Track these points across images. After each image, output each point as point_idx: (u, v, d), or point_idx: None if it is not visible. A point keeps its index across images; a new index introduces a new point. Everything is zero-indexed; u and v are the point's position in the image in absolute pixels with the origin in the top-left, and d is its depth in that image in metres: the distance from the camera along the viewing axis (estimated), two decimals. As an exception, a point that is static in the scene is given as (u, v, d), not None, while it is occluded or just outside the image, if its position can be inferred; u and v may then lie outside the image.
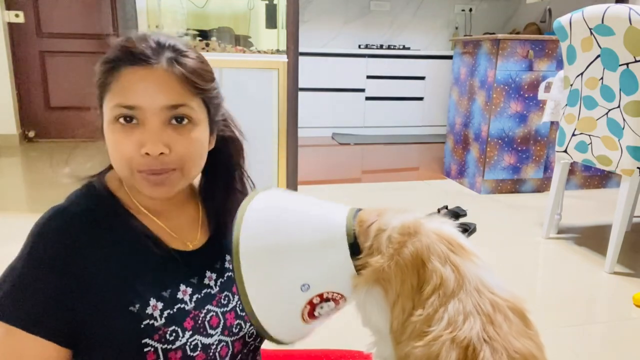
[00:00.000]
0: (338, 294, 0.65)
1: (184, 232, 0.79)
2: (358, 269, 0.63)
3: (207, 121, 0.74)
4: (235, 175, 0.84)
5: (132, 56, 0.67)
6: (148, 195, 0.71)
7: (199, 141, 0.72)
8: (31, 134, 4.82)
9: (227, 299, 0.80)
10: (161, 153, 0.67)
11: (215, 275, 0.80)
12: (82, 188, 0.75)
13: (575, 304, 1.97)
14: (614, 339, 1.74)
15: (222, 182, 0.83)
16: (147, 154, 0.67)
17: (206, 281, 0.78)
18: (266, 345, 0.97)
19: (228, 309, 0.79)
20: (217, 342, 0.76)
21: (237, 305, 0.80)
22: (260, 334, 0.64)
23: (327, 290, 0.64)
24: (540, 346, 0.57)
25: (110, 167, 0.79)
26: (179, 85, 0.68)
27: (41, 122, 4.81)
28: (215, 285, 0.79)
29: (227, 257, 0.83)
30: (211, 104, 0.74)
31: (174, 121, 0.69)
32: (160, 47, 0.68)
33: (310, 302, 0.64)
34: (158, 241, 0.74)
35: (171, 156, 0.68)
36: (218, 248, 0.82)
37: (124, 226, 0.72)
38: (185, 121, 0.69)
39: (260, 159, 2.87)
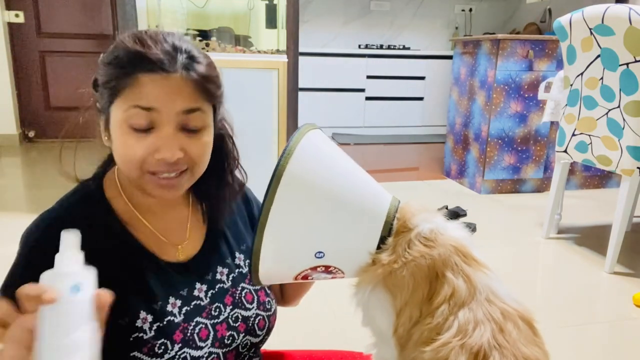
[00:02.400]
0: (342, 271, 0.64)
1: (175, 233, 0.79)
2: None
3: (212, 124, 0.74)
4: (226, 169, 0.83)
5: (148, 63, 0.65)
6: (157, 196, 0.71)
7: (209, 144, 0.73)
8: (31, 134, 4.82)
9: (218, 310, 0.78)
10: (177, 158, 0.67)
11: (206, 286, 0.79)
12: (76, 192, 0.74)
13: (575, 304, 1.97)
14: (614, 339, 1.74)
15: (215, 176, 0.82)
16: (161, 158, 0.67)
17: (196, 293, 0.77)
18: (266, 345, 0.97)
19: (219, 320, 0.78)
20: (207, 354, 0.75)
21: (229, 317, 0.79)
22: (251, 266, 0.61)
23: (335, 265, 0.62)
24: (546, 354, 0.59)
25: (106, 170, 0.78)
26: (194, 92, 0.68)
27: (41, 122, 4.81)
28: (206, 297, 0.78)
29: (219, 269, 0.81)
30: (218, 107, 0.75)
31: (185, 130, 0.69)
32: (175, 50, 0.67)
33: (314, 268, 0.62)
34: (150, 255, 0.74)
35: (184, 158, 0.69)
36: (209, 259, 0.81)
37: (117, 238, 0.72)
38: (198, 129, 0.69)
39: (260, 159, 2.87)
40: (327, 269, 0.63)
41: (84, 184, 0.76)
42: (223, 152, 0.82)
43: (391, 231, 0.63)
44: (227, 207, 0.84)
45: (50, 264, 0.65)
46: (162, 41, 0.67)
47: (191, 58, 0.68)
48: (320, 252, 0.60)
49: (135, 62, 0.65)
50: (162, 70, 0.65)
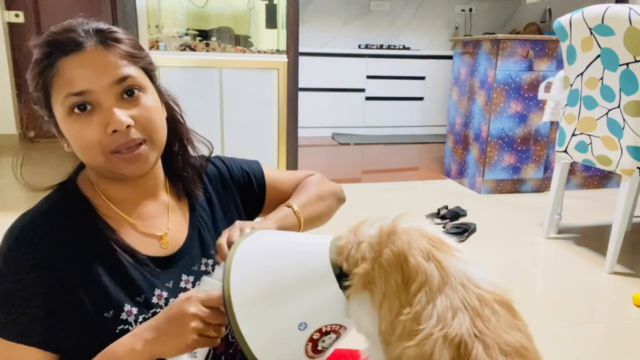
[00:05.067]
0: (337, 325, 0.65)
1: (156, 222, 0.79)
2: (349, 285, 0.64)
3: (152, 87, 0.75)
4: (185, 143, 0.85)
5: (62, 46, 0.66)
6: (127, 174, 0.71)
7: (154, 107, 0.73)
8: (31, 134, 4.82)
9: None
10: (127, 126, 0.67)
11: (193, 278, 0.79)
12: (54, 192, 0.75)
13: (575, 304, 1.97)
14: (614, 339, 1.74)
15: (179, 157, 0.84)
16: (114, 131, 0.67)
17: (182, 284, 0.78)
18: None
19: None
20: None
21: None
22: None
23: (324, 324, 0.64)
24: (529, 336, 0.57)
25: (79, 170, 0.79)
26: (117, 59, 0.68)
27: (41, 122, 4.80)
28: (192, 287, 0.79)
29: (203, 260, 0.82)
30: (150, 70, 0.75)
31: (125, 95, 0.69)
32: (83, 28, 0.68)
33: (311, 339, 0.64)
34: (130, 250, 0.74)
35: (136, 127, 0.69)
36: (194, 251, 0.81)
37: (98, 234, 0.72)
38: (136, 92, 0.70)
39: (260, 158, 2.86)
40: (322, 332, 0.64)
41: (61, 185, 0.76)
42: (176, 127, 0.83)
43: (340, 265, 0.64)
44: (196, 177, 0.85)
45: (34, 255, 0.66)
46: (74, 28, 0.68)
47: (100, 30, 0.69)
48: (302, 324, 0.63)
49: (50, 51, 0.66)
50: (75, 48, 0.66)
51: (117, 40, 0.69)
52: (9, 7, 4.58)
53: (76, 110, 0.67)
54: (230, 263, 0.65)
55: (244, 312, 0.62)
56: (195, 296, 0.64)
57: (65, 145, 0.73)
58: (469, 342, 0.53)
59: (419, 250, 0.59)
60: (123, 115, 0.67)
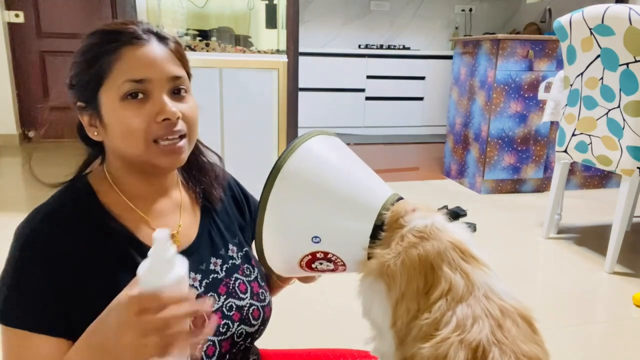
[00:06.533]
0: (341, 260, 0.66)
1: (169, 218, 0.80)
2: (368, 255, 0.65)
3: (192, 91, 0.79)
4: (201, 150, 0.87)
5: (125, 36, 0.70)
6: (162, 165, 0.73)
7: (195, 108, 0.77)
8: (31, 134, 4.82)
9: (212, 299, 0.79)
10: (177, 117, 0.71)
11: (200, 276, 0.80)
12: (66, 190, 0.76)
13: (575, 304, 1.97)
14: (614, 339, 1.74)
15: (195, 159, 0.86)
16: (166, 119, 0.70)
17: (190, 282, 0.78)
18: (266, 345, 0.97)
19: (213, 309, 0.79)
20: (202, 341, 0.75)
21: (223, 306, 0.80)
22: (258, 256, 0.65)
23: (333, 252, 0.65)
24: (546, 352, 0.58)
25: (87, 166, 0.79)
26: (174, 59, 0.74)
27: (41, 122, 4.81)
28: (200, 285, 0.79)
29: (212, 259, 0.83)
30: (190, 75, 0.79)
31: (174, 93, 0.73)
32: (144, 26, 0.73)
33: (313, 254, 0.65)
34: (143, 246, 0.75)
35: (182, 122, 0.73)
36: (203, 249, 0.82)
37: (109, 231, 0.73)
38: (183, 92, 0.74)
39: (260, 158, 2.87)
40: (326, 256, 0.65)
41: (72, 182, 0.77)
42: None
43: (384, 223, 0.65)
44: (218, 183, 0.88)
45: (46, 255, 0.66)
46: (126, 21, 0.73)
47: (158, 32, 0.74)
48: (316, 237, 0.64)
49: (115, 38, 0.70)
50: (138, 40, 0.70)
51: (174, 41, 0.75)
52: (9, 7, 4.58)
53: (129, 97, 0.69)
54: (305, 139, 0.67)
55: (284, 185, 0.63)
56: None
57: (95, 134, 0.74)
58: (487, 346, 0.54)
59: (448, 262, 0.60)
60: (174, 106, 0.71)
